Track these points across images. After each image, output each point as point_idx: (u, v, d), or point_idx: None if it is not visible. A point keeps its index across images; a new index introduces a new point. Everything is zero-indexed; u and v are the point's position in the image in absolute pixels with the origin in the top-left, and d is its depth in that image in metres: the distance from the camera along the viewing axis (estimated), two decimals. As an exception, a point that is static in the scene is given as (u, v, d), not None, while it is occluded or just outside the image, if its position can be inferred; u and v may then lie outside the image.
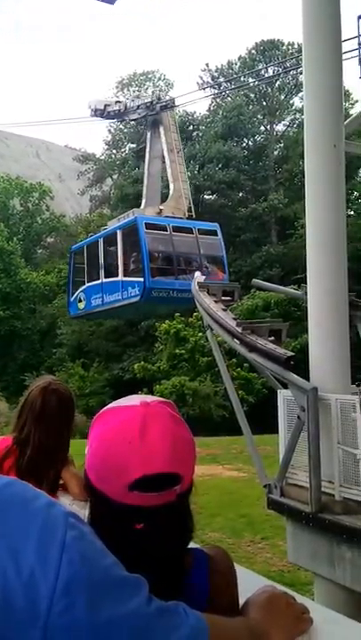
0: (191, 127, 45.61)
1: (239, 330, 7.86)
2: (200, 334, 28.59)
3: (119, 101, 20.63)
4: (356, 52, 11.22)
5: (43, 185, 53.38)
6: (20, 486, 0.96)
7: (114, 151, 52.69)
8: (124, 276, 15.94)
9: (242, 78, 41.55)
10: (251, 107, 45.63)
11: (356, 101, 40.36)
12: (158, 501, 1.09)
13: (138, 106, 18.60)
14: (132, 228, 15.71)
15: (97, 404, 32.72)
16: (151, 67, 75.81)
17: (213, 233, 17.05)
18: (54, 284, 43.28)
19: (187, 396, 28.27)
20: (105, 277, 16.82)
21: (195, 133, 45.02)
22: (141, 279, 15.03)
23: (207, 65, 46.60)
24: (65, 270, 43.49)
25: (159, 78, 50.98)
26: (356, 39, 11.26)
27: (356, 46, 11.31)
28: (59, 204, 57.25)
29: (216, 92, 38.03)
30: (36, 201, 52.29)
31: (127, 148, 51.36)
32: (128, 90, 48.90)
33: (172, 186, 17.24)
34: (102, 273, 16.97)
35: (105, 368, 35.98)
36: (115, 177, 51.48)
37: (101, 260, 17.16)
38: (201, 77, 45.97)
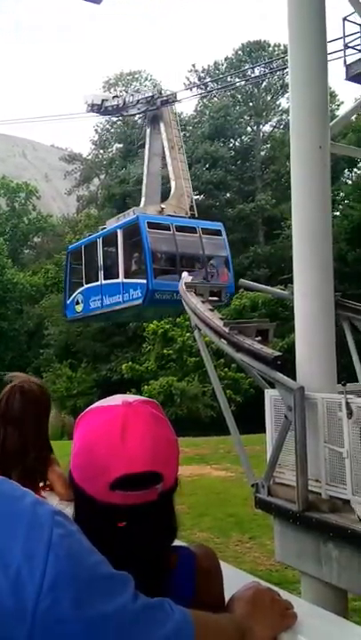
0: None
1: (226, 330, 7.88)
2: (188, 334, 28.61)
3: (117, 96, 19.78)
4: (342, 54, 11.31)
5: (29, 185, 53.14)
6: (7, 485, 0.97)
7: (101, 151, 52.55)
8: (125, 277, 15.25)
9: (228, 79, 41.61)
10: (237, 107, 45.74)
11: (343, 103, 40.68)
12: (140, 500, 1.10)
13: (138, 100, 17.81)
14: (134, 228, 15.05)
15: (85, 404, 32.32)
16: (138, 67, 75.82)
17: (217, 233, 16.54)
18: (41, 285, 43.08)
19: (175, 397, 28.30)
20: (104, 279, 16.18)
21: (182, 134, 45.05)
22: (144, 281, 14.35)
23: (194, 65, 46.71)
24: (52, 270, 43.42)
25: (146, 78, 50.94)
26: (342, 40, 11.35)
27: (342, 47, 11.40)
28: (45, 204, 57.05)
29: (203, 92, 38.01)
30: (23, 201, 52.05)
31: (114, 148, 51.26)
32: (115, 89, 48.74)
33: (173, 184, 16.65)
34: (101, 274, 16.35)
35: (93, 369, 35.89)
36: (102, 177, 51.37)
37: (100, 261, 16.52)
38: (188, 78, 46.02)
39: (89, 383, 34.35)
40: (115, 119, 50.45)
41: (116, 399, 1.19)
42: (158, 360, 31.78)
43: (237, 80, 39.97)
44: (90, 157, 53.58)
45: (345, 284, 23.74)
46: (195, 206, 17.10)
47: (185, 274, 11.50)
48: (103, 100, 18.91)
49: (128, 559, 1.06)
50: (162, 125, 16.99)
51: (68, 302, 18.28)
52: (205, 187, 41.28)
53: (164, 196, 17.68)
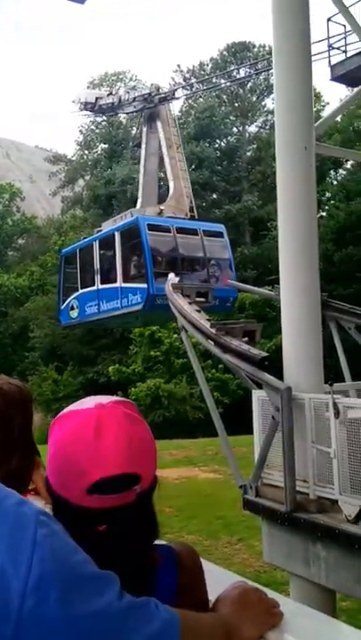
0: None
1: (213, 331, 7.87)
2: (175, 336, 28.58)
3: (111, 93, 19.14)
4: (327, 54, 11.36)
5: (13, 186, 52.77)
6: None
7: (85, 152, 52.34)
8: (124, 281, 14.59)
9: (213, 80, 41.70)
10: (223, 108, 45.84)
11: (328, 104, 40.92)
12: (118, 502, 1.09)
13: (134, 98, 17.19)
14: (133, 230, 14.44)
15: (71, 407, 32.43)
16: (123, 67, 75.71)
17: (219, 234, 16.02)
18: (26, 287, 42.75)
19: (162, 399, 28.27)
20: (101, 283, 15.50)
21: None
22: (144, 285, 13.67)
23: (179, 66, 46.73)
24: (37, 272, 43.14)
25: (131, 78, 50.85)
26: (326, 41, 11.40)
27: (327, 48, 11.45)
28: (30, 206, 56.69)
29: (189, 92, 37.97)
30: (7, 202, 51.65)
31: (99, 149, 51.08)
32: (99, 90, 48.63)
33: (171, 184, 16.14)
34: (98, 278, 15.66)
35: (79, 371, 35.72)
36: (87, 178, 51.18)
37: (97, 265, 15.83)
38: (173, 78, 46.03)
39: (75, 386, 34.17)
40: (100, 119, 50.39)
41: (88, 402, 1.17)
42: (145, 362, 31.72)
43: (223, 81, 40.05)
44: (75, 158, 53.32)
45: (332, 284, 23.88)
46: (195, 207, 16.65)
47: (171, 275, 11.45)
48: (97, 98, 18.40)
49: (111, 561, 1.05)
50: (159, 124, 16.54)
51: (63, 308, 17.50)
52: (192, 187, 41.21)
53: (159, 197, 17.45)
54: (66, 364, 36.24)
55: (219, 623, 1.13)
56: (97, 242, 16.14)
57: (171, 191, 16.07)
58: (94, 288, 15.75)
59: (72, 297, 16.86)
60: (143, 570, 1.17)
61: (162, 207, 15.58)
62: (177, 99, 18.62)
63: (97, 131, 50.90)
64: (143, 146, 17.42)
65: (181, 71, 46.31)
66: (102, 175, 46.17)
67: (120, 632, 0.93)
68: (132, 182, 41.54)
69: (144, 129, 17.53)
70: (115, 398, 1.19)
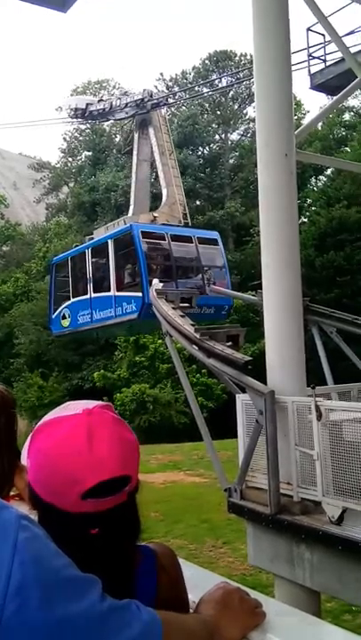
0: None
1: (197, 336, 7.93)
2: (159, 341, 28.60)
3: (102, 100, 18.69)
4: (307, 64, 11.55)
5: (-3, 193, 52.48)
6: None
7: (69, 159, 52.31)
8: (118, 290, 14.23)
9: (196, 88, 41.94)
10: (205, 116, 46.10)
11: (308, 112, 41.42)
12: (112, 504, 1.11)
13: (126, 104, 16.80)
14: (127, 238, 14.13)
15: (56, 414, 32.19)
16: (106, 75, 75.81)
17: (214, 242, 15.76)
18: (11, 294, 42.53)
19: (147, 404, 28.22)
20: (94, 292, 15.18)
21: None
22: (139, 294, 13.25)
23: (162, 74, 46.94)
24: (22, 279, 42.94)
25: (114, 87, 50.98)
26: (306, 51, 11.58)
27: (306, 58, 11.63)
28: (14, 213, 56.44)
29: (172, 101, 38.18)
30: (-9, 209, 51.37)
31: (83, 156, 51.07)
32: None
33: (164, 191, 15.92)
34: (90, 287, 15.32)
35: (64, 378, 35.55)
36: (71, 185, 51.10)
37: (89, 274, 15.49)
38: (156, 87, 46.17)
39: (61, 392, 33.99)
40: (83, 127, 50.39)
41: (73, 407, 1.19)
42: (130, 367, 31.66)
43: (205, 89, 40.29)
44: (59, 165, 53.26)
45: (313, 289, 24.08)
46: (188, 214, 16.40)
47: (155, 280, 11.49)
48: (88, 104, 18.02)
49: (98, 563, 1.08)
50: (151, 130, 16.31)
51: (54, 317, 17.12)
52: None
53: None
54: (51, 371, 36.06)
55: (201, 624, 1.14)
56: (89, 250, 15.89)
57: (164, 198, 15.94)
58: (87, 297, 15.44)
59: (63, 306, 16.53)
60: (126, 570, 1.18)
61: (155, 214, 15.37)
62: (170, 105, 18.23)
63: (81, 138, 50.94)
64: (135, 152, 17.14)
65: (164, 79, 46.51)
66: (86, 182, 46.15)
67: (101, 634, 0.94)
68: (115, 189, 41.62)
69: (135, 135, 17.31)
70: (98, 402, 1.20)
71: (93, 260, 15.61)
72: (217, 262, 15.42)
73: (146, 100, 16.38)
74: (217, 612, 1.18)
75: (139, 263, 13.56)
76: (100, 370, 32.69)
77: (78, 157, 51.68)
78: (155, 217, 15.11)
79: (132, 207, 16.77)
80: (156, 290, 10.22)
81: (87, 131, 50.39)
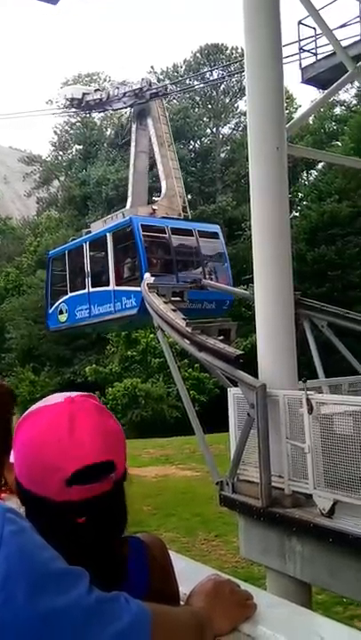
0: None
1: (189, 330, 7.94)
2: (151, 335, 28.58)
3: (99, 89, 18.03)
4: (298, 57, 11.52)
5: (-13, 187, 52.16)
6: None
7: (60, 152, 52.03)
8: (117, 285, 13.82)
9: (187, 81, 41.81)
10: (196, 110, 45.98)
11: (300, 106, 41.37)
12: (97, 492, 1.11)
13: (124, 93, 16.21)
14: (126, 231, 13.80)
15: (48, 409, 32.15)
16: (96, 68, 75.37)
17: (214, 235, 15.44)
18: (2, 288, 42.37)
19: (139, 398, 28.23)
20: (92, 287, 14.78)
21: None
22: (139, 289, 12.59)
23: (152, 67, 46.72)
24: (13, 274, 42.76)
25: (104, 79, 50.67)
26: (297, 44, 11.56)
27: (298, 51, 11.60)
28: (4, 207, 56.19)
29: (171, 90, 37.87)
30: (-19, 203, 51.03)
31: (74, 150, 50.82)
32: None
33: (163, 183, 15.49)
34: (88, 282, 14.92)
35: (56, 372, 35.49)
36: (62, 178, 50.85)
37: (87, 268, 15.10)
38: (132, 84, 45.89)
39: (52, 387, 33.90)
40: (74, 120, 50.11)
41: (56, 397, 1.20)
42: (122, 362, 31.65)
43: (196, 83, 40.16)
44: (49, 159, 52.95)
45: (305, 283, 24.13)
46: (188, 207, 16.04)
47: (147, 274, 11.45)
48: (84, 94, 17.35)
49: (86, 554, 1.08)
50: (149, 120, 15.89)
51: (50, 312, 16.68)
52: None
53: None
54: (43, 365, 35.99)
55: (192, 616, 1.14)
56: (87, 243, 15.51)
57: (163, 190, 15.53)
58: (85, 291, 15.06)
59: (60, 301, 16.14)
60: (115, 562, 1.18)
61: (154, 207, 14.99)
62: (169, 94, 17.75)
63: (71, 131, 50.64)
64: (133, 143, 16.70)
65: (155, 73, 46.30)
66: (77, 176, 45.95)
67: (89, 627, 0.94)
68: (106, 183, 41.46)
69: (133, 126, 16.90)
70: (81, 393, 1.21)
71: (91, 253, 15.30)
72: (218, 256, 15.16)
73: (145, 89, 15.94)
74: (208, 603, 1.18)
75: (139, 257, 13.21)
76: (91, 364, 32.64)
77: (69, 151, 51.42)
78: (154, 210, 14.79)
79: (129, 199, 16.40)
80: (147, 284, 10.21)
81: (78, 124, 50.11)
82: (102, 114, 48.27)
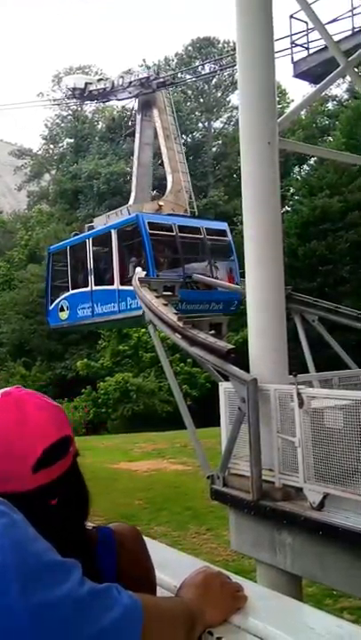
0: (130, 123, 45.43)
1: (180, 324, 7.94)
2: (143, 330, 28.55)
3: (102, 79, 17.46)
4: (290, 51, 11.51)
5: (-23, 180, 51.77)
6: None
7: (51, 146, 51.75)
8: (122, 284, 13.16)
9: (179, 75, 41.65)
10: (188, 104, 45.86)
11: (292, 101, 41.38)
12: (62, 469, 1.14)
13: (130, 82, 15.57)
14: (133, 228, 13.28)
15: (39, 403, 32.11)
16: (87, 61, 74.85)
17: (222, 233, 14.90)
18: (-8, 282, 42.15)
19: (131, 393, 28.22)
20: (95, 285, 14.29)
21: (126, 131, 44.83)
22: None
23: (144, 60, 46.50)
24: (4, 268, 42.52)
25: (96, 72, 50.39)
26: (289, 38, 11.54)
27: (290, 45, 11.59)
28: (-5, 200, 55.74)
29: (171, 83, 37.63)
30: (-29, 197, 50.66)
31: (65, 143, 50.56)
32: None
33: (169, 177, 14.98)
34: (92, 279, 14.38)
35: (47, 367, 35.39)
36: (53, 172, 50.60)
37: (90, 265, 14.54)
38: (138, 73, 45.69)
39: (44, 381, 33.84)
40: (65, 113, 49.82)
41: None
42: (114, 356, 31.61)
43: (188, 76, 40.03)
44: (40, 152, 52.67)
45: (296, 278, 24.18)
46: (194, 202, 15.53)
47: (138, 269, 11.41)
48: (87, 84, 16.81)
49: (59, 537, 1.07)
50: (155, 111, 15.29)
51: (51, 308, 16.08)
52: (159, 182, 41.15)
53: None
54: (34, 360, 35.87)
55: (183, 607, 1.15)
56: (90, 239, 14.88)
57: (169, 185, 15.00)
58: (87, 289, 14.53)
59: (62, 297, 15.60)
60: (85, 547, 1.20)
61: (160, 203, 14.47)
62: (177, 84, 17.03)
63: (62, 125, 50.38)
64: (137, 135, 16.05)
65: (147, 66, 46.10)
66: (68, 170, 45.73)
67: (82, 619, 0.94)
68: (98, 177, 41.31)
69: (138, 117, 16.24)
70: (8, 388, 1.22)
71: (95, 250, 14.72)
72: (226, 256, 14.63)
73: (152, 78, 15.39)
74: (198, 595, 1.19)
75: (145, 256, 12.64)
76: (83, 359, 32.58)
77: (60, 144, 51.17)
78: (160, 206, 14.31)
79: (133, 194, 15.87)
80: (138, 278, 10.20)
81: (69, 117, 49.85)
82: (94, 107, 48.16)
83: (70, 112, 49.33)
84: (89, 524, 1.28)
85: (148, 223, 12.99)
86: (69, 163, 46.55)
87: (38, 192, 52.26)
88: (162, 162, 16.02)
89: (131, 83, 15.56)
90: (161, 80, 15.64)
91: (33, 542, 0.96)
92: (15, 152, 55.12)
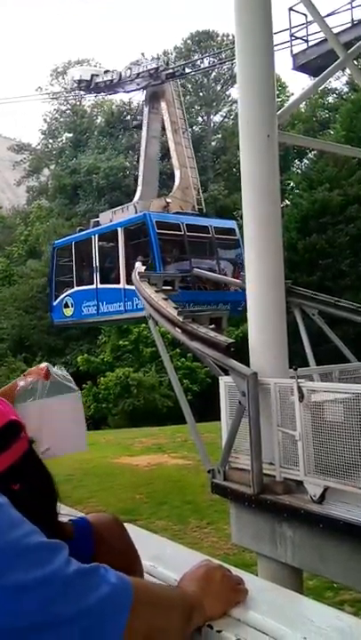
0: (129, 117, 45.28)
1: (180, 319, 7.94)
2: (143, 325, 28.54)
3: (108, 70, 16.95)
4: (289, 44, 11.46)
5: (-24, 176, 51.64)
6: None
7: (50, 141, 51.57)
8: (128, 283, 12.73)
9: (180, 67, 41.46)
10: (188, 97, 45.66)
11: (292, 94, 41.20)
12: (19, 453, 1.14)
13: (138, 74, 15.18)
14: (140, 227, 13.07)
15: (40, 398, 32.16)
16: (85, 55, 74.53)
17: (231, 232, 14.60)
18: (-9, 278, 42.10)
19: (131, 387, 28.23)
20: (101, 283, 14.05)
21: (133, 123, 44.67)
22: None
23: (143, 54, 46.29)
24: (3, 263, 42.47)
25: (95, 66, 50.16)
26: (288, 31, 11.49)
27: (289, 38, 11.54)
28: (-6, 196, 55.62)
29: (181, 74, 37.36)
30: (-30, 192, 50.55)
31: (64, 138, 50.38)
32: (63, 78, 47.86)
33: (177, 173, 14.70)
34: (97, 277, 14.17)
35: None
36: (52, 167, 50.45)
37: (96, 262, 14.33)
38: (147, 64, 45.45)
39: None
40: (64, 108, 49.63)
41: None
42: (114, 351, 31.60)
43: (187, 70, 39.84)
44: (39, 147, 52.49)
45: (296, 272, 24.18)
46: (202, 199, 15.24)
47: (138, 263, 11.41)
48: (93, 76, 16.51)
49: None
50: (163, 104, 14.99)
51: (55, 304, 15.95)
52: (158, 177, 41.08)
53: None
54: (34, 355, 35.86)
55: (180, 596, 1.15)
56: (96, 236, 14.70)
57: (176, 181, 14.72)
58: (92, 287, 14.34)
59: (66, 294, 15.44)
60: (58, 536, 1.19)
61: (168, 200, 14.22)
62: (187, 75, 16.40)
63: (61, 119, 50.18)
64: (144, 128, 15.79)
65: (157, 57, 45.93)
66: (67, 165, 45.58)
67: (68, 598, 0.95)
68: (97, 172, 41.18)
69: (145, 109, 15.88)
70: None
71: (101, 247, 14.53)
72: (234, 255, 14.31)
73: (161, 69, 15.00)
74: (199, 588, 1.18)
75: (153, 255, 12.47)
76: (83, 354, 32.59)
77: (59, 139, 50.97)
78: (168, 203, 14.05)
79: (139, 188, 15.57)
80: (138, 273, 10.18)
81: (68, 112, 49.67)
82: (93, 101, 47.99)
83: (69, 106, 49.13)
84: (68, 516, 1.28)
85: (156, 222, 12.78)
86: (68, 157, 46.39)
87: (37, 187, 52.13)
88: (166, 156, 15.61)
89: (139, 74, 15.25)
90: (170, 71, 15.29)
91: (17, 525, 0.97)
92: (14, 147, 54.95)
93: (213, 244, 13.92)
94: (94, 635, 0.97)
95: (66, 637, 0.94)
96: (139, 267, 10.98)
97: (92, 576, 1.01)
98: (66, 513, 1.29)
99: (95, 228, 15.19)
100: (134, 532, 1.65)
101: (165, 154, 17.33)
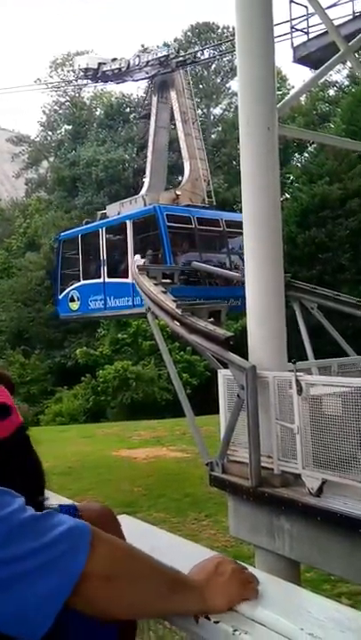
0: (128, 109, 45.10)
1: (179, 312, 7.94)
2: (142, 318, 28.51)
3: (116, 58, 16.44)
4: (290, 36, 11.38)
5: (-25, 168, 51.46)
6: None
7: (49, 133, 51.35)
8: None
9: (180, 58, 41.24)
10: (187, 89, 45.51)
11: (293, 87, 41.01)
12: (4, 432, 1.17)
13: (147, 62, 14.74)
14: (150, 220, 12.74)
15: (38, 391, 32.19)
16: (85, 46, 74.09)
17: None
18: (-10, 270, 42.07)
19: (130, 380, 28.26)
20: (108, 277, 13.73)
21: (132, 115, 44.50)
22: None
23: (143, 46, 45.98)
24: (2, 255, 42.44)
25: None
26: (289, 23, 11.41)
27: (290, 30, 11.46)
28: (-7, 188, 55.44)
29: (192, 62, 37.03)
30: (-31, 184, 50.39)
31: (63, 130, 50.17)
32: (62, 70, 47.63)
33: (186, 165, 14.31)
34: (104, 270, 13.81)
35: (46, 355, 35.41)
36: (51, 159, 50.26)
37: (103, 255, 13.97)
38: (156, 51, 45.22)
39: (43, 370, 33.90)
40: (63, 100, 49.38)
41: None
42: (113, 344, 31.61)
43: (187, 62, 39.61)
44: (38, 139, 52.27)
45: (295, 265, 24.15)
46: (212, 192, 14.87)
47: (137, 256, 11.36)
48: (100, 64, 16.04)
49: None
50: (172, 93, 14.51)
51: (61, 298, 15.51)
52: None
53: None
54: (33, 348, 35.89)
55: (171, 571, 1.16)
56: (103, 229, 14.35)
57: (186, 173, 14.33)
58: (100, 281, 13.98)
59: (72, 287, 15.04)
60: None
61: (178, 192, 13.86)
62: (198, 62, 15.72)
63: (60, 111, 49.95)
64: (152, 118, 15.31)
65: (146, 51, 45.68)
66: (66, 157, 45.41)
67: (25, 536, 1.00)
68: (96, 164, 41.03)
69: (154, 98, 15.37)
70: None
71: (108, 240, 14.21)
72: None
73: (171, 57, 14.54)
74: (205, 578, 1.19)
75: (163, 249, 12.13)
76: (82, 347, 32.58)
77: (58, 131, 50.75)
78: (177, 195, 13.73)
79: (147, 180, 15.14)
80: (137, 266, 10.17)
81: (67, 104, 49.43)
82: (92, 93, 47.75)
83: (68, 98, 48.89)
84: (58, 502, 1.30)
85: (167, 215, 12.50)
86: (67, 150, 46.22)
87: (36, 179, 51.95)
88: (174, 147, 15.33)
89: (148, 62, 14.82)
90: (181, 59, 14.78)
91: None
92: (13, 139, 54.70)
93: (224, 237, 13.60)
94: (52, 572, 0.99)
95: (24, 573, 0.97)
96: (137, 259, 10.94)
97: (48, 519, 1.05)
98: (59, 502, 1.30)
99: (103, 221, 14.88)
100: (132, 523, 1.66)
101: (171, 145, 16.97)
